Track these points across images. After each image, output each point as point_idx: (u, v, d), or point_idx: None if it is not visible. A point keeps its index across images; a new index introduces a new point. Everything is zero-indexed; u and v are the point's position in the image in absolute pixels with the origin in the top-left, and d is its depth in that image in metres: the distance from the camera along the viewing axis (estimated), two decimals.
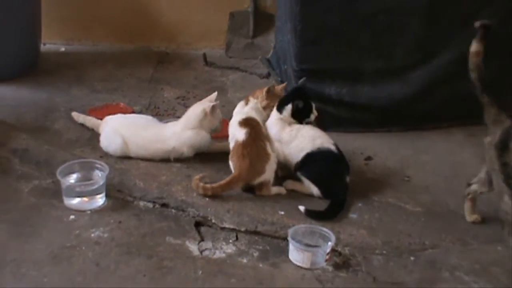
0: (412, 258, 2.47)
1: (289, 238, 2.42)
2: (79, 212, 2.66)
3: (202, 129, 3.04)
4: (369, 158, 3.21)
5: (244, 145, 2.77)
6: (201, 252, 2.46)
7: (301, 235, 2.48)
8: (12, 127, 3.28)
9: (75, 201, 2.70)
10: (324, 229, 2.49)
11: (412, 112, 3.49)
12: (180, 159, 3.04)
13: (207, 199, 2.74)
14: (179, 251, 2.45)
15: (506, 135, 2.41)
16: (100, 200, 2.72)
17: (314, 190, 2.80)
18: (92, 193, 2.70)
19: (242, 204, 2.74)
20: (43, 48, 4.30)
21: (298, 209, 2.69)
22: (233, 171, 2.79)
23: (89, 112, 3.45)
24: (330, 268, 2.39)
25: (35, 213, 2.65)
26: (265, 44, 4.45)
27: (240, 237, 2.56)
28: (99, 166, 2.80)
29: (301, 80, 3.01)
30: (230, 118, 2.97)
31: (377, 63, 3.41)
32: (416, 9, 3.33)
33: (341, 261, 2.44)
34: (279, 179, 2.88)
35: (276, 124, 2.90)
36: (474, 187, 2.66)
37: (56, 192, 2.74)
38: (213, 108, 3.03)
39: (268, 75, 4.13)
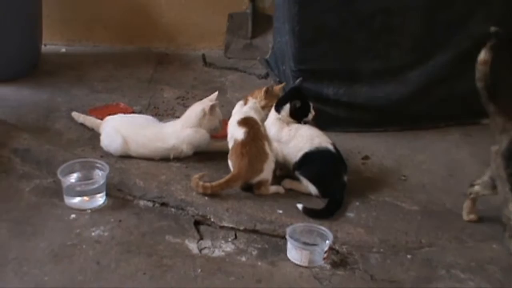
0: (409, 256, 2.47)
1: (287, 237, 2.42)
2: (79, 211, 2.66)
3: (201, 128, 3.05)
4: (366, 158, 3.21)
5: (243, 144, 2.77)
6: (200, 250, 2.46)
7: (299, 233, 2.48)
8: (14, 127, 3.28)
9: (76, 200, 2.70)
10: (322, 227, 2.49)
11: (409, 112, 3.49)
12: (179, 159, 3.04)
13: (206, 198, 2.74)
14: (178, 250, 2.45)
15: None
16: (100, 199, 2.72)
17: (312, 189, 2.80)
18: (92, 192, 2.70)
19: (241, 203, 2.74)
20: (44, 49, 4.30)
21: (296, 208, 2.69)
22: (232, 170, 2.79)
23: (89, 112, 3.45)
24: (328, 266, 2.39)
25: (36, 212, 2.65)
26: (264, 45, 4.45)
27: (239, 236, 2.56)
28: (99, 165, 2.80)
29: (298, 80, 3.01)
30: (229, 117, 2.97)
31: (375, 64, 3.41)
32: (413, 10, 3.33)
33: (338, 259, 2.44)
34: (277, 179, 2.87)
35: (275, 124, 2.90)
36: (477, 188, 2.63)
37: (57, 191, 2.74)
38: (212, 107, 3.03)
39: (266, 76, 4.13)
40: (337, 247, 2.49)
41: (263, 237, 2.56)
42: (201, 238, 2.53)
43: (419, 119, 3.53)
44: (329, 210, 2.70)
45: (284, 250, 2.45)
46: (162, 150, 3.03)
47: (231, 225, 2.60)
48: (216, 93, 3.12)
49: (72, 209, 2.67)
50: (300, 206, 2.69)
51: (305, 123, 2.93)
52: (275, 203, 2.75)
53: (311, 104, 2.94)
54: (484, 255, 2.49)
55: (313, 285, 2.30)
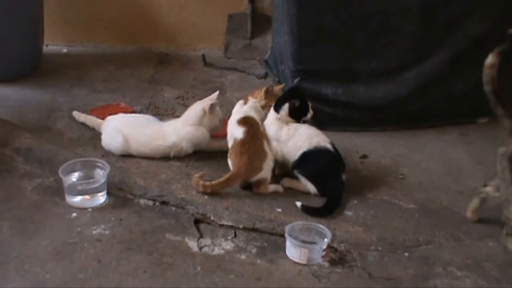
0: (406, 254, 2.47)
1: (286, 235, 2.42)
2: (81, 209, 2.66)
3: (201, 126, 3.05)
4: (364, 157, 3.20)
5: (242, 143, 2.77)
6: (200, 248, 2.46)
7: (298, 232, 2.48)
8: (16, 127, 3.27)
9: (77, 199, 2.70)
10: (320, 226, 2.49)
11: (406, 112, 3.49)
12: (179, 158, 3.03)
13: (206, 196, 2.73)
14: (178, 248, 2.45)
15: None
16: (101, 198, 2.72)
17: (311, 188, 2.80)
18: (93, 191, 2.70)
19: (240, 201, 2.73)
20: (46, 49, 4.29)
21: (295, 207, 2.68)
22: (231, 168, 2.79)
23: (90, 112, 3.44)
24: (326, 264, 2.39)
25: (38, 210, 2.64)
26: (263, 45, 4.45)
27: (239, 234, 2.56)
28: (100, 164, 2.80)
29: (296, 80, 3.01)
30: (229, 117, 2.97)
31: (372, 64, 3.41)
32: (410, 11, 3.33)
33: (337, 257, 2.44)
34: (276, 177, 2.87)
35: (274, 124, 2.89)
36: (489, 189, 2.59)
37: (59, 190, 2.74)
38: (212, 106, 3.03)
39: (265, 76, 4.13)
40: (335, 245, 2.49)
41: (262, 235, 2.56)
42: (201, 236, 2.53)
43: (416, 119, 3.53)
44: (328, 208, 2.70)
45: (283, 248, 2.45)
46: (162, 148, 3.02)
47: (230, 224, 2.60)
48: (217, 92, 3.11)
49: (74, 208, 2.67)
50: (299, 204, 2.68)
51: (304, 122, 2.93)
52: (274, 201, 2.75)
53: (310, 104, 2.93)
54: (481, 252, 2.49)
55: (312, 282, 2.30)
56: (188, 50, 4.57)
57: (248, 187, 2.80)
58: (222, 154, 2.92)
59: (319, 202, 2.73)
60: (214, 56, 4.47)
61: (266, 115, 2.95)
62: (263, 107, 2.97)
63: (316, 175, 2.80)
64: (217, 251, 2.45)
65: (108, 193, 2.75)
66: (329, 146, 2.84)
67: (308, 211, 2.67)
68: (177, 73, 4.20)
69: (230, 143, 2.86)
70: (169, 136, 3.03)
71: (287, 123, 2.89)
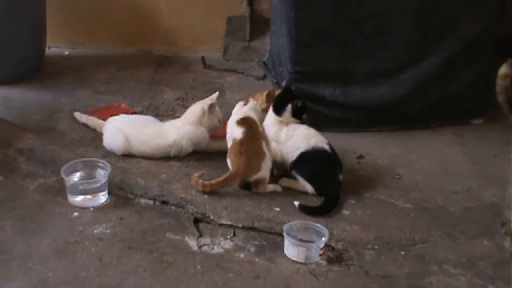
0: (402, 253, 2.47)
1: (285, 234, 2.42)
2: (82, 209, 2.66)
3: (201, 126, 3.05)
4: (361, 157, 3.20)
5: (241, 143, 2.77)
6: (200, 247, 2.46)
7: (296, 231, 2.48)
8: (19, 128, 3.27)
9: (79, 198, 2.69)
10: (318, 225, 2.49)
11: (402, 112, 3.49)
12: (179, 158, 3.03)
13: (205, 196, 2.73)
14: (178, 247, 2.45)
15: None
16: (102, 197, 2.72)
17: (309, 187, 2.80)
18: (95, 191, 2.70)
19: (239, 201, 2.73)
20: (48, 51, 4.29)
21: (293, 206, 2.68)
22: (230, 168, 2.79)
23: (91, 113, 3.44)
24: (324, 263, 2.39)
25: (40, 210, 2.64)
26: (261, 47, 4.44)
27: (238, 233, 2.56)
28: (101, 165, 2.79)
29: (285, 82, 3.03)
30: (228, 118, 2.97)
31: (369, 65, 3.41)
32: (406, 14, 3.33)
33: (334, 256, 2.44)
34: (274, 177, 2.87)
35: (274, 125, 2.89)
36: None
37: (61, 190, 2.73)
38: (211, 106, 3.04)
39: (264, 77, 4.12)
40: (332, 244, 2.49)
41: (261, 234, 2.56)
42: (201, 235, 2.53)
43: (412, 120, 3.53)
44: (325, 207, 2.70)
45: (281, 247, 2.45)
46: (163, 147, 3.02)
47: (229, 223, 2.60)
48: (217, 93, 3.11)
49: (75, 207, 2.66)
50: (296, 203, 2.68)
51: (302, 123, 2.93)
52: (273, 201, 2.75)
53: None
54: (475, 251, 2.49)
55: (310, 280, 2.30)
56: (188, 52, 4.56)
57: (247, 187, 2.80)
58: (221, 154, 2.92)
59: (316, 202, 2.73)
60: (214, 58, 4.47)
61: (265, 116, 2.95)
62: (263, 110, 2.97)
63: (314, 175, 2.80)
64: (216, 249, 2.45)
65: (109, 193, 2.75)
66: (326, 146, 2.84)
67: (306, 210, 2.67)
68: (177, 75, 4.19)
69: (229, 143, 2.86)
70: (170, 135, 3.03)
71: (287, 124, 2.88)
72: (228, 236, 2.54)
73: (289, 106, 2.87)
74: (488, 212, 2.74)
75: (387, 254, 2.46)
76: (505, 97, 2.42)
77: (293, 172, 2.84)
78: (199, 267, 2.33)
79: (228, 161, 2.82)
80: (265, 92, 2.98)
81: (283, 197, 2.79)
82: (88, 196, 2.69)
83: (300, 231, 2.48)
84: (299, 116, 2.90)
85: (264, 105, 2.97)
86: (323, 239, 2.41)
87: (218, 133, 3.12)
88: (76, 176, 2.77)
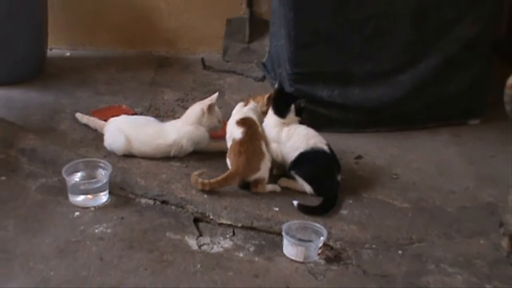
0: (400, 252, 2.48)
1: (284, 233, 2.42)
2: (83, 208, 2.66)
3: (200, 126, 3.06)
4: (359, 157, 3.21)
5: (241, 143, 2.78)
6: (199, 246, 2.46)
7: (295, 230, 2.48)
8: (20, 128, 3.28)
9: (80, 198, 2.70)
10: (317, 224, 2.49)
11: (400, 113, 3.49)
12: (179, 159, 3.04)
13: (205, 196, 2.74)
14: (178, 246, 2.45)
15: None
16: (103, 197, 2.72)
17: (307, 187, 2.80)
18: (96, 191, 2.70)
19: (238, 201, 2.74)
20: (50, 53, 4.29)
21: (292, 206, 2.69)
22: (230, 168, 2.79)
23: (92, 114, 3.44)
24: (322, 262, 2.40)
25: (42, 209, 2.65)
26: (261, 48, 4.45)
27: (237, 233, 2.56)
28: (102, 165, 2.80)
29: (277, 84, 3.06)
30: (228, 118, 2.98)
31: (367, 66, 3.41)
32: (404, 15, 3.33)
33: (332, 255, 2.44)
34: (273, 177, 2.87)
35: (276, 127, 2.89)
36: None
37: (62, 190, 2.74)
38: (210, 106, 3.04)
39: (263, 78, 4.13)
40: (331, 243, 2.50)
41: (260, 234, 2.56)
42: (200, 235, 2.53)
43: (410, 120, 3.53)
44: (324, 207, 2.71)
45: (280, 246, 2.45)
46: (163, 147, 3.03)
47: (229, 222, 2.60)
48: (216, 94, 3.12)
49: (76, 207, 2.67)
50: (295, 203, 2.69)
51: (301, 122, 2.94)
52: (272, 201, 2.75)
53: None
54: (472, 250, 2.50)
55: (308, 279, 2.30)
56: (187, 54, 4.57)
57: (246, 186, 2.80)
58: (221, 154, 2.92)
59: (315, 202, 2.74)
60: (213, 60, 4.47)
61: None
62: (264, 113, 2.97)
63: (312, 175, 2.81)
64: (216, 249, 2.46)
65: (110, 193, 2.75)
66: (325, 147, 2.84)
67: (305, 210, 2.68)
68: (177, 76, 4.20)
69: (229, 143, 2.87)
70: (170, 134, 3.04)
71: (288, 124, 2.89)
72: (228, 236, 2.54)
73: (292, 107, 2.88)
74: (484, 211, 2.75)
75: (385, 253, 2.47)
76: None
77: (292, 172, 2.85)
78: (199, 266, 2.33)
79: (228, 161, 2.82)
80: (266, 95, 2.99)
81: (282, 197, 2.79)
82: (89, 196, 2.70)
83: (299, 231, 2.48)
84: (301, 115, 2.91)
85: (264, 108, 2.97)
86: (322, 238, 2.42)
87: (217, 133, 3.12)
88: (77, 176, 2.78)
